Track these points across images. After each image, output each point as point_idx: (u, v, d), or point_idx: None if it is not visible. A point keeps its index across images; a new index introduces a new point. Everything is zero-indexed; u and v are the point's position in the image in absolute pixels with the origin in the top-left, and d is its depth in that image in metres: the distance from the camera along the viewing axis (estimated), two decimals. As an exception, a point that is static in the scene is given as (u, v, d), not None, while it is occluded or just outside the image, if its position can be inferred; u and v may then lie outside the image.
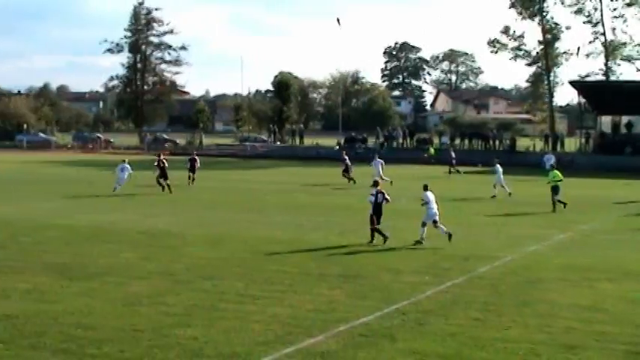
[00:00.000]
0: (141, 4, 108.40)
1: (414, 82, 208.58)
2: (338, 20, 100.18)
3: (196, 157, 47.43)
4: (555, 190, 34.78)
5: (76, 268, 20.43)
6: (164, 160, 42.32)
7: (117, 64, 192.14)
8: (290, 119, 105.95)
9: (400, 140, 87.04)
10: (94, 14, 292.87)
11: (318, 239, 25.95)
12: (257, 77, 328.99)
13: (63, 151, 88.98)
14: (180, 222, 29.78)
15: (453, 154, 61.83)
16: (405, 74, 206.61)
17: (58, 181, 47.52)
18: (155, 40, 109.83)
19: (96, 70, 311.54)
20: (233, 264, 21.29)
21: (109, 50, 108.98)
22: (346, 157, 50.56)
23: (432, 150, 74.69)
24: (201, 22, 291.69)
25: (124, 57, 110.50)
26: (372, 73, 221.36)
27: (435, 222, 25.42)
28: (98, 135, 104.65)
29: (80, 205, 35.14)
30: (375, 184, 27.40)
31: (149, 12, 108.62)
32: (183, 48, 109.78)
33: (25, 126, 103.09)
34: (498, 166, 41.12)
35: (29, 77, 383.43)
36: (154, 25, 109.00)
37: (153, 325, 14.93)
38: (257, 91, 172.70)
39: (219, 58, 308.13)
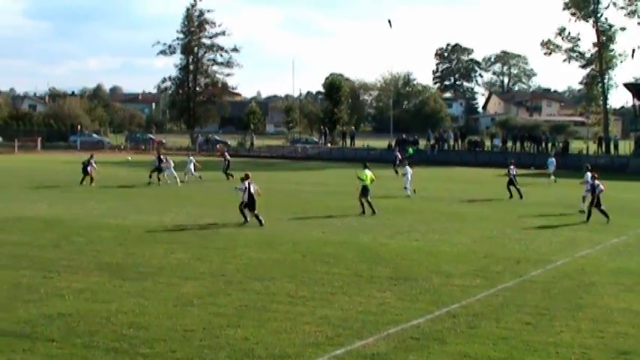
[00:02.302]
0: (193, 5, 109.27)
1: (465, 84, 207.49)
2: (389, 22, 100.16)
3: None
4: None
5: (129, 268, 20.63)
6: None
7: (170, 66, 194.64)
8: (341, 121, 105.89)
9: (451, 142, 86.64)
10: (148, 16, 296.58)
11: (368, 241, 25.90)
12: (308, 79, 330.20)
13: (116, 152, 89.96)
14: (231, 223, 29.89)
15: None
16: (456, 76, 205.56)
17: (110, 181, 48.03)
18: (207, 41, 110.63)
19: (149, 72, 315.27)
20: (284, 265, 21.34)
21: (162, 52, 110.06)
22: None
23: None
24: (254, 24, 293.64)
25: (177, 58, 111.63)
26: (424, 74, 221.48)
27: None
28: (150, 136, 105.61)
29: (132, 205, 35.48)
30: (247, 176, 30.04)
31: (202, 14, 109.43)
32: (235, 50, 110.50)
33: (79, 127, 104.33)
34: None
35: (83, 79, 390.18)
36: (207, 26, 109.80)
37: (204, 325, 15.01)
38: (308, 92, 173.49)
39: (271, 60, 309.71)
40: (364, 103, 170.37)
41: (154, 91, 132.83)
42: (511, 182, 40.87)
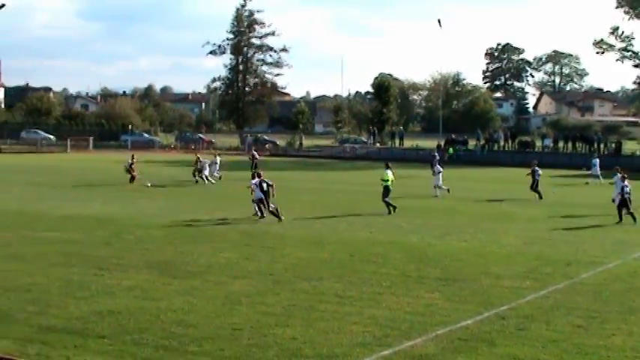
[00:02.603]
0: (243, 6, 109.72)
1: (516, 83, 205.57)
2: (439, 21, 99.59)
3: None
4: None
5: (178, 266, 20.78)
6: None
7: (219, 66, 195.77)
8: (390, 121, 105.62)
9: (501, 143, 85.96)
10: (198, 16, 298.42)
11: (417, 241, 25.81)
12: (357, 79, 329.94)
13: (166, 152, 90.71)
14: (279, 222, 29.97)
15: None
16: (507, 76, 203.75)
17: (160, 180, 48.47)
18: (257, 41, 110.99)
19: (199, 72, 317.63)
20: (332, 265, 21.34)
21: (212, 52, 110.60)
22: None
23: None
24: (303, 24, 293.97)
25: (227, 59, 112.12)
26: (474, 74, 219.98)
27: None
28: (200, 136, 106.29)
29: (182, 204, 35.76)
30: (258, 175, 31.57)
31: (251, 14, 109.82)
32: (284, 50, 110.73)
33: (129, 126, 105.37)
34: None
35: (134, 79, 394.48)
36: (256, 27, 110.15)
37: (252, 324, 15.07)
38: (357, 92, 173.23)
39: (320, 60, 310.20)
40: (413, 103, 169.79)
41: (204, 91, 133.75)
42: (535, 183, 40.58)
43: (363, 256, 22.69)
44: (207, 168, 48.00)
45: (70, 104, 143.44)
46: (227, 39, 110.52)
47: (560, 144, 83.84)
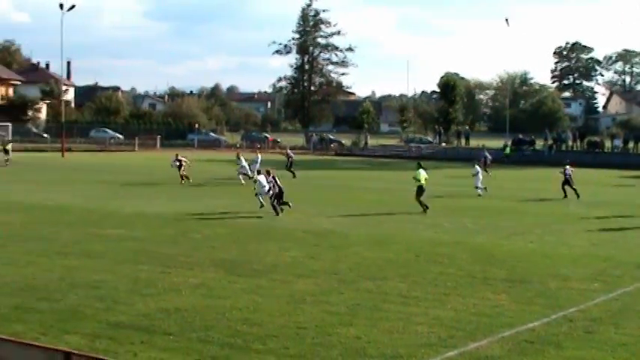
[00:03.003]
0: (309, 5, 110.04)
1: (585, 83, 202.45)
2: (506, 20, 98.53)
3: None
4: None
5: (244, 264, 20.91)
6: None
7: (285, 65, 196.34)
8: (456, 120, 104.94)
9: (570, 143, 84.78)
10: (264, 16, 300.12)
11: (483, 242, 25.60)
12: (423, 78, 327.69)
13: (232, 151, 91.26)
14: (344, 222, 30.00)
15: None
16: (575, 75, 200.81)
17: (226, 179, 48.84)
18: (322, 41, 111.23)
19: (265, 71, 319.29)
20: (397, 265, 21.28)
21: (278, 52, 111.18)
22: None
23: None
24: (369, 24, 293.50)
25: (292, 58, 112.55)
26: (542, 73, 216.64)
27: None
28: (266, 135, 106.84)
29: (247, 203, 35.94)
30: (268, 172, 32.98)
31: (317, 13, 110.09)
32: (350, 49, 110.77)
33: (196, 125, 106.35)
34: None
35: (201, 78, 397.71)
36: (322, 26, 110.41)
37: (316, 323, 15.09)
38: (422, 92, 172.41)
39: (386, 59, 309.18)
40: (480, 103, 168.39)
41: (270, 90, 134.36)
42: (566, 182, 40.11)
43: (428, 257, 22.58)
44: (246, 167, 47.49)
45: (138, 103, 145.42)
46: (293, 38, 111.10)
47: (630, 144, 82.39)
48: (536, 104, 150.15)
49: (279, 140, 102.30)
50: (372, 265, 21.12)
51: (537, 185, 49.02)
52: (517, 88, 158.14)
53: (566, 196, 39.95)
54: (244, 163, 47.48)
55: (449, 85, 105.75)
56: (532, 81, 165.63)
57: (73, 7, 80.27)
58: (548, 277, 19.88)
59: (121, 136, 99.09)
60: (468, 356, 13.30)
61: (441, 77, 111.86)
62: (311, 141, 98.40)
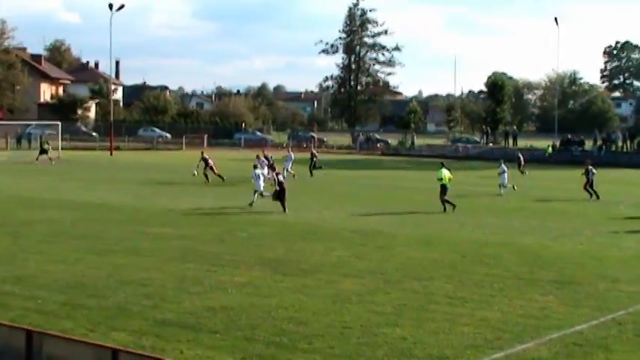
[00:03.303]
0: (356, 5, 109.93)
1: (635, 82, 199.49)
2: (555, 19, 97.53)
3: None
4: None
5: (290, 263, 20.95)
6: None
7: (332, 65, 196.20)
8: (503, 120, 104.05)
9: (619, 143, 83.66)
10: (311, 16, 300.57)
11: (530, 243, 25.37)
12: (470, 78, 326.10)
13: (278, 150, 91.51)
14: (391, 221, 29.93)
15: None
16: (626, 75, 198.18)
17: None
18: (369, 40, 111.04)
19: (311, 71, 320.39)
20: (443, 265, 21.17)
21: (325, 51, 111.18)
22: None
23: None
24: (416, 23, 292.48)
25: (339, 58, 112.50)
26: (591, 73, 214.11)
27: None
28: (312, 134, 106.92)
29: (293, 202, 36.00)
30: (273, 168, 35.79)
31: (364, 13, 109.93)
32: (396, 49, 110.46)
33: (243, 125, 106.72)
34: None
35: (248, 77, 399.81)
36: (369, 25, 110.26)
37: (362, 322, 15.07)
38: (470, 91, 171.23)
39: (433, 59, 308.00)
40: (528, 103, 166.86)
41: (316, 89, 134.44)
42: (589, 183, 39.69)
43: (475, 257, 22.44)
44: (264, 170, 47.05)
45: (185, 103, 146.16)
46: (339, 38, 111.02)
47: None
48: (586, 104, 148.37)
49: (325, 139, 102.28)
50: (418, 266, 21.05)
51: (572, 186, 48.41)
52: (566, 87, 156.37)
53: (592, 195, 39.44)
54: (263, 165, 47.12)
55: (497, 85, 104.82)
56: (581, 81, 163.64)
57: (122, 6, 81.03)
58: (597, 279, 19.66)
59: (168, 135, 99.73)
60: (514, 358, 13.20)
61: (489, 77, 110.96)
62: (357, 141, 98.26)
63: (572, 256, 23.03)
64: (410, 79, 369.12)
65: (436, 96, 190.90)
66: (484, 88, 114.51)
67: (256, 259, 21.38)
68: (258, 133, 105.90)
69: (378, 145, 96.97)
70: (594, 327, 15.15)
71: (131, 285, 17.91)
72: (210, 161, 45.65)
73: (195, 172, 44.48)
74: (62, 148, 69.41)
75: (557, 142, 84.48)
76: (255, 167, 35.40)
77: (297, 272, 19.83)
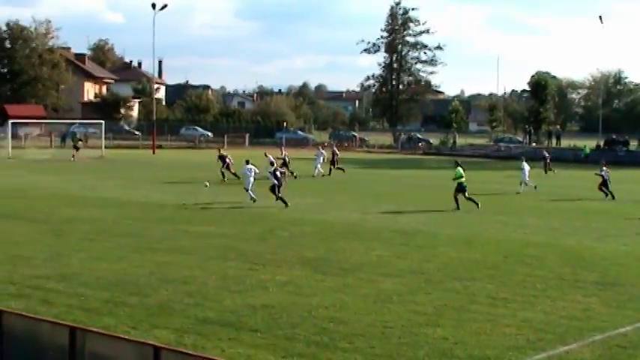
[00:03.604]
0: (398, 4, 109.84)
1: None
2: (600, 18, 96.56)
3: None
4: None
5: (330, 263, 20.95)
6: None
7: (373, 64, 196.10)
8: (546, 120, 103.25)
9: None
10: (352, 15, 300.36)
11: (573, 244, 25.13)
12: (513, 77, 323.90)
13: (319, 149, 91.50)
14: (432, 221, 29.81)
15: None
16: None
17: (313, 178, 49.04)
18: (411, 39, 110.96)
19: (353, 70, 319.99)
20: (485, 266, 21.05)
21: (366, 50, 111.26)
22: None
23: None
24: (459, 22, 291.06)
25: (381, 57, 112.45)
26: (636, 72, 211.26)
27: None
28: (354, 133, 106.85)
29: (334, 201, 36.06)
30: (272, 164, 36.82)
31: (406, 12, 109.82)
32: (439, 48, 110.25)
33: (284, 124, 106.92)
34: None
35: (289, 77, 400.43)
36: (410, 24, 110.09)
37: (403, 322, 15.03)
38: (513, 91, 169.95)
39: (475, 58, 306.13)
40: (571, 102, 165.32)
41: (358, 89, 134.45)
42: (604, 183, 39.30)
43: (517, 258, 22.28)
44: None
45: (227, 102, 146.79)
46: (381, 37, 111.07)
47: None
48: (631, 104, 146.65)
49: (366, 139, 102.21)
50: (459, 266, 20.94)
51: (631, 187, 47.92)
52: (611, 87, 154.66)
53: (607, 195, 39.03)
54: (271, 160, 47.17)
55: (540, 84, 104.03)
56: (626, 80, 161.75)
57: (165, 6, 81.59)
58: (641, 281, 19.43)
59: (210, 134, 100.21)
60: (557, 360, 13.09)
61: (532, 76, 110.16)
62: (399, 140, 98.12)
63: (615, 257, 22.78)
64: (452, 79, 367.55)
65: (478, 95, 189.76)
66: (527, 88, 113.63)
67: (297, 258, 21.42)
68: (300, 133, 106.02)
69: (420, 144, 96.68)
70: (638, 329, 14.97)
71: (173, 283, 18.03)
72: (227, 159, 45.91)
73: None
74: (105, 147, 70.05)
75: (601, 141, 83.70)
76: (247, 162, 36.21)
77: (337, 271, 19.83)
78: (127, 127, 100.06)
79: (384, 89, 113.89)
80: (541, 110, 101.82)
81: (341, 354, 13.21)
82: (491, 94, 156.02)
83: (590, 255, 23.11)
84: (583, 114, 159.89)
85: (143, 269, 19.54)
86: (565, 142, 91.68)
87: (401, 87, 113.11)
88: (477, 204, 33.31)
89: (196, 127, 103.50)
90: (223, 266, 20.15)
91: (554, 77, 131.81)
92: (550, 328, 14.82)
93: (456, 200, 33.55)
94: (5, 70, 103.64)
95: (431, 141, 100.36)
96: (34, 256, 21.06)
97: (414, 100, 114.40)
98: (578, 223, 30.22)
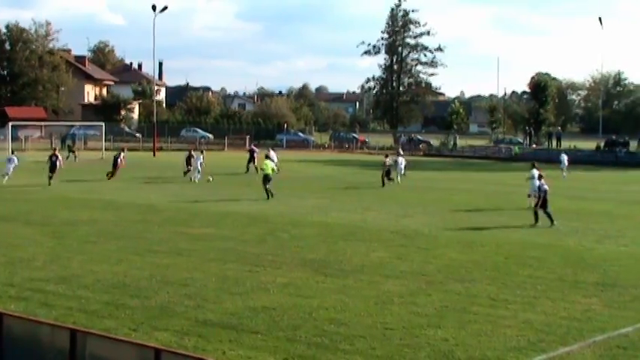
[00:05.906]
0: (398, 6, 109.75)
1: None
2: (600, 19, 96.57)
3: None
4: None
5: (331, 264, 20.95)
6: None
7: (374, 66, 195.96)
8: (547, 121, 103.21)
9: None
10: (353, 17, 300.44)
11: (573, 245, 25.14)
12: (513, 78, 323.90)
13: (320, 151, 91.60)
14: (432, 223, 29.79)
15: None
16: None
17: (313, 179, 49.02)
18: (411, 41, 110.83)
19: (353, 72, 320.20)
20: (485, 267, 21.04)
21: (367, 52, 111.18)
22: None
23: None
24: (458, 23, 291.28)
25: (381, 58, 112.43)
26: (637, 74, 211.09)
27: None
28: (354, 135, 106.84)
29: (335, 203, 36.04)
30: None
31: (406, 13, 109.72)
32: (439, 49, 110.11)
33: (285, 125, 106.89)
34: None
35: (290, 78, 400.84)
36: (411, 26, 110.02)
37: (404, 324, 15.03)
38: (513, 92, 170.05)
39: (475, 59, 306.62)
40: (572, 103, 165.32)
41: (358, 90, 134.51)
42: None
43: (518, 259, 22.28)
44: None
45: (227, 103, 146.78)
46: (382, 39, 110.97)
47: None
48: (631, 105, 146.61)
49: (367, 140, 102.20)
50: (460, 267, 20.94)
51: (630, 187, 47.95)
52: (611, 88, 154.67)
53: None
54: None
55: (540, 86, 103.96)
56: (626, 81, 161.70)
57: (165, 8, 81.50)
58: (641, 282, 19.42)
59: (211, 136, 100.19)
60: (558, 361, 13.08)
61: (532, 77, 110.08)
62: (399, 141, 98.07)
63: (616, 258, 22.78)
64: (452, 80, 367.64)
65: (479, 97, 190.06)
66: (527, 89, 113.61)
67: (298, 260, 21.42)
68: (300, 134, 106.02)
69: (421, 145, 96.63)
70: (639, 330, 14.97)
71: (173, 285, 18.02)
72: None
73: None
74: (106, 149, 69.97)
75: (601, 142, 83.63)
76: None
77: (338, 273, 19.83)
78: (127, 129, 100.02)
79: (384, 91, 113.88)
80: (541, 111, 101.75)
81: (342, 355, 13.21)
82: (491, 96, 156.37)
83: (591, 256, 23.11)
84: (583, 115, 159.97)
85: (143, 271, 19.53)
86: (565, 144, 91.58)
87: (401, 88, 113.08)
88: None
89: (197, 129, 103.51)
90: (223, 268, 20.15)
91: (554, 78, 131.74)
92: (551, 329, 14.82)
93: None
94: (5, 72, 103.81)
95: (431, 142, 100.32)
96: (34, 258, 21.07)
97: (414, 101, 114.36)
98: (579, 224, 30.19)
